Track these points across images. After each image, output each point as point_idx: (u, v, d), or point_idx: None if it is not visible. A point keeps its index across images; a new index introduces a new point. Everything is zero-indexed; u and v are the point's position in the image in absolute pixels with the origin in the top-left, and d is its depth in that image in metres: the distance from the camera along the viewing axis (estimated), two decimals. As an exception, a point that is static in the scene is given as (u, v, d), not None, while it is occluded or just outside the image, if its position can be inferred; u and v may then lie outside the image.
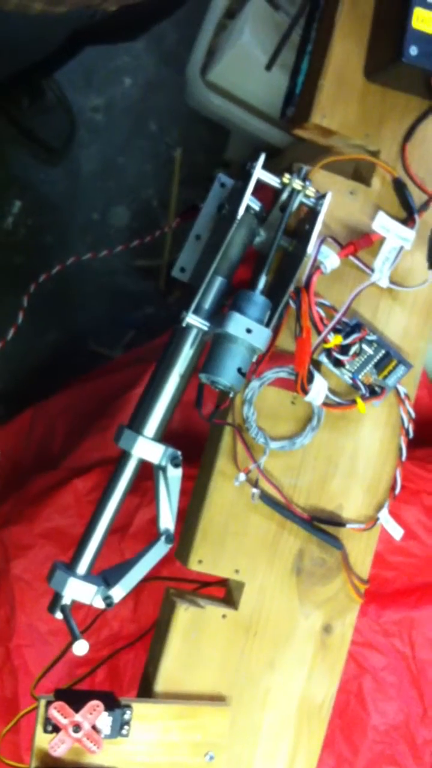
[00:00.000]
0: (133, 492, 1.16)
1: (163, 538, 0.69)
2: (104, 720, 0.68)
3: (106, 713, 0.67)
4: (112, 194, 1.49)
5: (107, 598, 0.67)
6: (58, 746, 0.66)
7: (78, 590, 0.67)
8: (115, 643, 1.04)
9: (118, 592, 0.67)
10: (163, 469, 0.69)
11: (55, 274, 0.78)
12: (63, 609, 0.67)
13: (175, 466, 0.68)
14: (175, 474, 0.68)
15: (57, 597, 0.67)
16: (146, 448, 0.68)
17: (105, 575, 0.68)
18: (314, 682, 0.75)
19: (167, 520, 0.69)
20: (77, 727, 0.66)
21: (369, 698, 1.02)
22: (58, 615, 0.68)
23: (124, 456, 0.69)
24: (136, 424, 0.69)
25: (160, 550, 0.69)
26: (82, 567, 0.68)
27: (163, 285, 1.51)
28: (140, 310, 1.52)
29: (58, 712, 0.66)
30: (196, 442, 0.87)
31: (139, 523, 1.12)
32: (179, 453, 0.69)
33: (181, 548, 0.74)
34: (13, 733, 1.06)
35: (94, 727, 0.67)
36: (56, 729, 0.66)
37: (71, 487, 1.14)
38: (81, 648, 0.65)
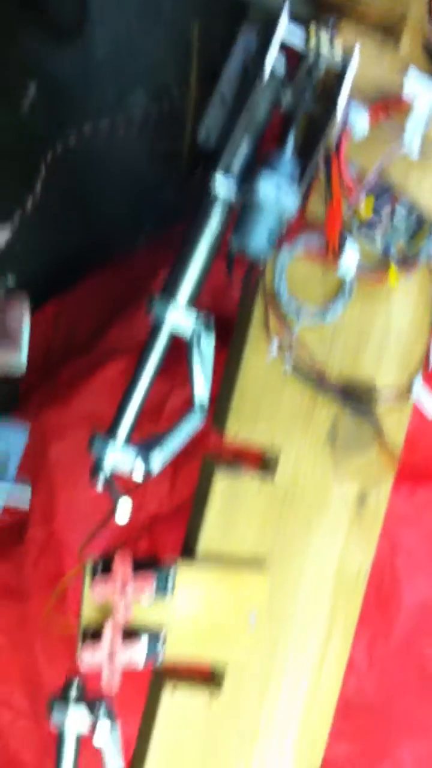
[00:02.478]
0: (164, 377, 1.17)
1: (198, 409, 0.69)
2: (149, 580, 0.70)
3: (150, 573, 0.70)
4: (128, 77, 1.45)
5: (146, 467, 0.68)
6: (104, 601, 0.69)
7: (117, 459, 0.67)
8: (152, 524, 1.06)
9: (157, 462, 0.68)
10: (197, 336, 0.68)
11: (71, 161, 0.76)
12: (104, 478, 0.69)
13: (208, 331, 0.68)
14: (208, 340, 0.68)
15: (97, 466, 0.68)
16: (178, 314, 0.67)
17: (143, 446, 0.69)
18: (350, 551, 0.77)
19: (202, 390, 0.69)
20: (123, 585, 0.69)
21: (403, 574, 1.04)
22: (100, 484, 0.69)
23: (156, 324, 0.69)
24: (168, 292, 0.68)
25: (195, 419, 0.69)
26: (121, 436, 0.68)
27: (185, 169, 1.48)
28: (161, 198, 1.49)
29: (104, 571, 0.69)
30: (224, 328, 0.87)
31: (171, 407, 1.13)
32: (212, 317, 0.68)
33: (217, 419, 0.75)
34: (61, 612, 1.12)
35: (139, 587, 0.70)
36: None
37: (104, 371, 1.14)
38: (125, 505, 0.66)
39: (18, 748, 1.27)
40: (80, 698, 0.69)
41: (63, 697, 0.70)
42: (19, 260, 1.39)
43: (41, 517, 1.19)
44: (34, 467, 1.20)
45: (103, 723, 0.68)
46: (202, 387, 0.68)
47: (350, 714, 1.07)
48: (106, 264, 1.36)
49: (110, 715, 0.68)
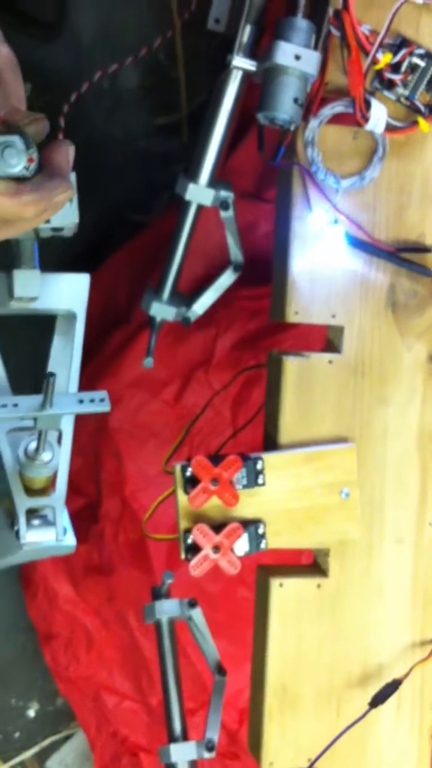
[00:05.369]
0: (207, 325, 1.18)
1: (231, 268, 0.79)
2: (240, 473, 0.70)
3: (240, 464, 0.70)
4: (117, 57, 1.47)
5: (185, 319, 0.80)
6: (199, 498, 0.69)
7: (161, 310, 0.80)
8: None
9: (195, 312, 0.80)
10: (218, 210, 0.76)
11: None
12: (152, 324, 0.82)
13: (225, 208, 0.76)
14: (228, 214, 0.76)
15: (151, 318, 0.80)
16: (198, 192, 0.76)
17: (185, 299, 0.80)
18: (430, 411, 0.76)
19: (235, 250, 0.78)
20: (215, 480, 0.69)
21: None
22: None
23: (184, 205, 0.77)
24: (190, 173, 0.76)
25: (229, 277, 0.79)
26: (165, 293, 0.80)
27: (187, 138, 1.50)
28: (170, 170, 1.50)
29: (198, 464, 0.69)
30: (259, 264, 0.88)
31: (220, 352, 1.14)
32: (230, 196, 0.75)
33: (275, 307, 0.76)
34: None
35: (231, 483, 0.70)
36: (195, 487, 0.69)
37: (145, 335, 1.16)
38: (147, 363, 0.81)
39: (127, 732, 1.27)
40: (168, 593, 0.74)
41: (154, 597, 0.73)
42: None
43: (111, 488, 1.19)
44: (96, 443, 1.21)
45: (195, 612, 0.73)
46: (234, 248, 0.78)
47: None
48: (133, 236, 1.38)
49: (192, 603, 0.73)
